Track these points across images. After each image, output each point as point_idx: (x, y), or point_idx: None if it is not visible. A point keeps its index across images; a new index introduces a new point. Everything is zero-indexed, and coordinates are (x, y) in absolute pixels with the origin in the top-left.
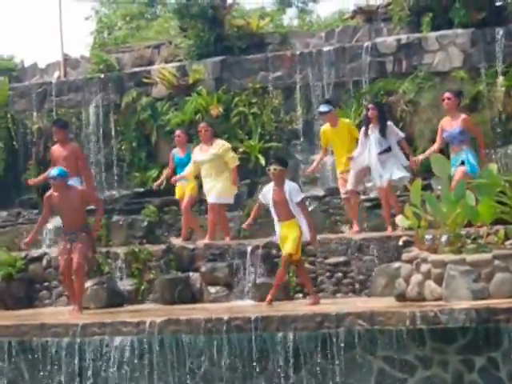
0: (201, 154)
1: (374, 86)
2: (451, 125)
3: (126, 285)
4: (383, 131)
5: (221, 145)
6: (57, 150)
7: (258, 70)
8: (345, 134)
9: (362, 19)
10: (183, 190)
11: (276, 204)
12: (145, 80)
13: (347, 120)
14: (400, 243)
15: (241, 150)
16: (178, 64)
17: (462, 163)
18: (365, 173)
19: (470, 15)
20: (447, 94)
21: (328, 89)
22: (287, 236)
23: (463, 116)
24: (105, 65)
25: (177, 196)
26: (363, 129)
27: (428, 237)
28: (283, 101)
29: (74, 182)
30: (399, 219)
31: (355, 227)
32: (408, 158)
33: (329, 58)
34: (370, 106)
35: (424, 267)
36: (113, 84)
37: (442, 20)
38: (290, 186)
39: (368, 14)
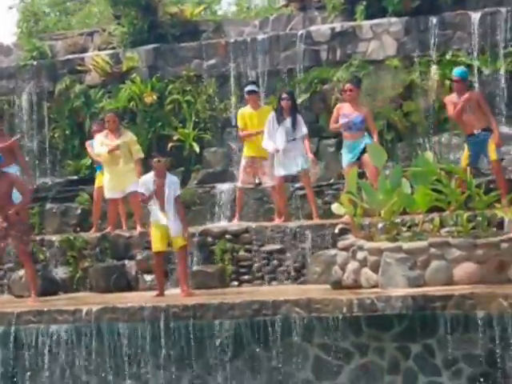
0: (108, 141)
1: (309, 74)
2: (352, 112)
3: (60, 273)
4: (294, 122)
5: (130, 135)
6: None
7: (191, 57)
8: (265, 120)
9: (296, 7)
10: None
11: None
12: (78, 67)
13: (269, 107)
14: (336, 231)
15: (175, 137)
16: (111, 51)
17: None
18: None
19: (404, 4)
20: (349, 86)
21: (262, 77)
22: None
23: (365, 108)
24: (38, 52)
25: (96, 184)
26: (274, 116)
27: (364, 224)
28: (217, 89)
29: (11, 169)
30: (335, 207)
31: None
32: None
33: (263, 46)
34: (284, 95)
35: (360, 255)
36: (46, 71)
37: (376, 8)
38: (170, 178)
39: (302, 2)
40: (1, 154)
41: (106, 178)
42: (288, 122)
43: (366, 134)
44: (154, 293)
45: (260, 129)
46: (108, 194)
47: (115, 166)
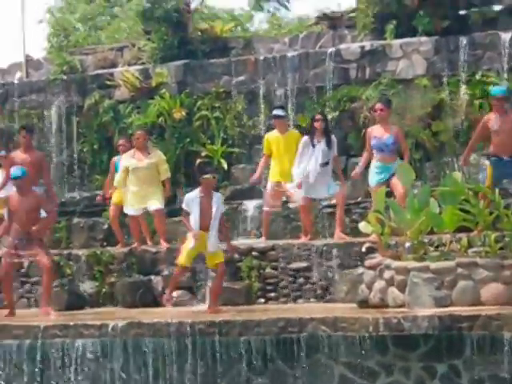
0: (135, 160)
1: (338, 92)
2: (383, 133)
3: (87, 287)
4: (329, 143)
5: (158, 155)
6: (20, 155)
7: (221, 74)
8: (292, 144)
9: (326, 26)
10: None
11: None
12: (108, 82)
13: (297, 131)
14: (363, 249)
15: (203, 154)
16: (141, 67)
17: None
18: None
19: (434, 23)
20: (379, 105)
21: (291, 94)
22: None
23: (395, 127)
24: (68, 66)
25: (116, 201)
26: (307, 139)
27: (391, 244)
28: (246, 106)
29: (38, 188)
30: (362, 225)
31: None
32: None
33: (292, 64)
34: (317, 116)
35: (387, 274)
36: (75, 86)
37: (406, 28)
38: (217, 195)
39: (332, 21)
40: (26, 169)
41: (129, 195)
42: (323, 143)
43: (397, 158)
44: (179, 309)
45: (284, 153)
46: (129, 211)
47: (140, 186)
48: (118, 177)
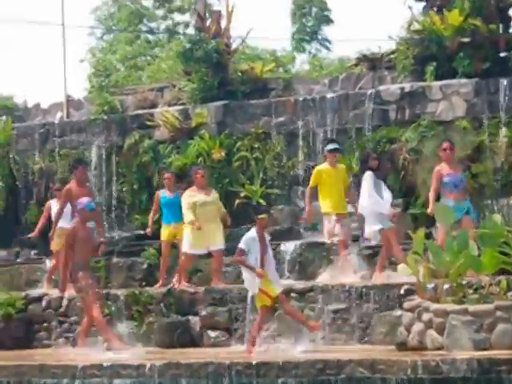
0: (202, 196)
1: (377, 133)
2: (453, 171)
3: (125, 327)
4: (385, 180)
5: (215, 191)
6: (77, 189)
7: (260, 114)
8: (343, 177)
9: (365, 67)
10: (170, 231)
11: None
12: (148, 122)
13: (344, 165)
14: (401, 291)
15: (242, 194)
16: (181, 107)
17: (467, 212)
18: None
19: (474, 65)
20: (447, 144)
21: (331, 135)
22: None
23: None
24: (108, 106)
25: (164, 238)
26: (372, 175)
27: (430, 286)
28: (285, 146)
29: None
30: (401, 268)
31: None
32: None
33: (332, 105)
34: (374, 155)
35: (426, 316)
36: (115, 126)
37: (446, 69)
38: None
39: (372, 62)
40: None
41: (192, 233)
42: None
43: (467, 196)
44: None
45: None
46: (193, 250)
47: (210, 222)
48: (188, 213)
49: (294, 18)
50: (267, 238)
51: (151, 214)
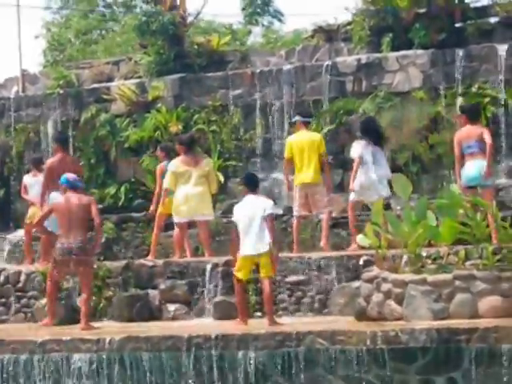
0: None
1: (334, 105)
2: None
3: None
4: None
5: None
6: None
7: (217, 87)
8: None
9: (322, 39)
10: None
11: None
12: (104, 96)
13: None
14: (360, 262)
15: None
16: (137, 81)
17: None
18: None
19: (430, 36)
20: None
21: (288, 107)
22: None
23: None
24: (64, 81)
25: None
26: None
27: (388, 256)
28: (243, 119)
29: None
30: (360, 238)
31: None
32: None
33: (289, 77)
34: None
35: (384, 286)
36: (72, 100)
37: (402, 41)
38: None
39: (328, 34)
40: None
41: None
42: None
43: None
44: (177, 323)
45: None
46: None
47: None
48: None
49: None
50: None
51: (158, 189)
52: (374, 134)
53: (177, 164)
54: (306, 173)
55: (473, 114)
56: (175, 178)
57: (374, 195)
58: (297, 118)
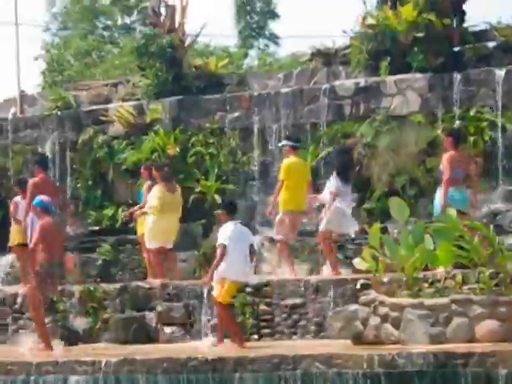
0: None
1: (332, 128)
2: None
3: (80, 323)
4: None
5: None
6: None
7: (215, 110)
8: (307, 172)
9: (320, 62)
10: None
11: None
12: (102, 118)
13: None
14: (357, 286)
15: (197, 189)
16: (135, 103)
17: None
18: None
19: (428, 60)
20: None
21: (285, 131)
22: None
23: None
24: (62, 102)
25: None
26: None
27: (385, 280)
28: (240, 142)
29: None
30: (357, 262)
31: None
32: None
33: (286, 100)
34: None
35: (381, 310)
36: (70, 121)
37: (400, 64)
38: None
39: (326, 57)
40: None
41: (161, 225)
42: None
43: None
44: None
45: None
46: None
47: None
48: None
49: (239, 14)
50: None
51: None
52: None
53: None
54: (301, 199)
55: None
56: (161, 204)
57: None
58: (284, 142)
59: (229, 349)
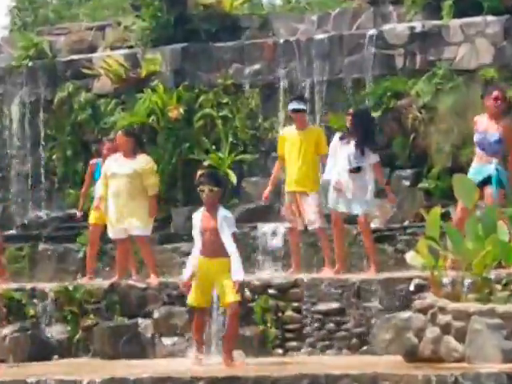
0: (117, 165)
1: (379, 86)
2: (488, 128)
3: (55, 332)
4: (361, 145)
5: (145, 162)
6: None
7: (230, 61)
8: (311, 143)
9: (364, 1)
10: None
11: (205, 234)
12: (84, 71)
13: (318, 128)
14: (411, 287)
15: (206, 163)
16: (127, 51)
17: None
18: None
19: None
20: (498, 93)
21: (320, 88)
22: (222, 279)
23: (506, 124)
24: (34, 50)
25: (93, 221)
26: (337, 138)
27: (447, 280)
28: (262, 102)
29: None
30: (410, 256)
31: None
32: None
33: (322, 49)
34: (349, 111)
35: (442, 319)
36: (43, 75)
37: (468, 4)
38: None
39: None
40: None
41: (110, 211)
42: (352, 144)
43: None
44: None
45: (301, 154)
46: (112, 234)
47: (119, 200)
48: (98, 186)
49: None
50: (223, 217)
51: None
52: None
53: None
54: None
55: None
56: None
57: None
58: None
59: (245, 366)
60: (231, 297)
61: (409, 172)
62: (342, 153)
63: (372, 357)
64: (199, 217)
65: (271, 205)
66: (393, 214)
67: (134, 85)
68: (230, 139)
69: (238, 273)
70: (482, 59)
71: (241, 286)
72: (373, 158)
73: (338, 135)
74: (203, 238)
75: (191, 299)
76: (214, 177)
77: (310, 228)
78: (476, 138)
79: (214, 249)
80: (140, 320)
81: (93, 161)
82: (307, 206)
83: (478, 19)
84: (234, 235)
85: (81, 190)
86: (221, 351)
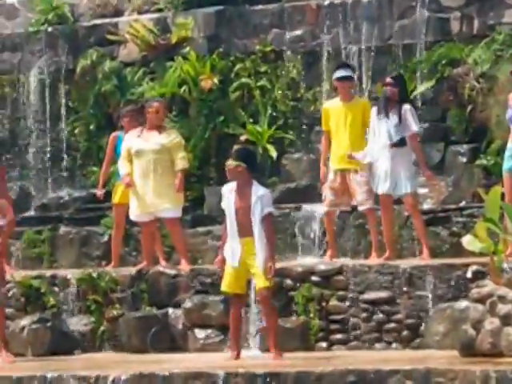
0: (141, 141)
1: (433, 53)
2: None
3: (78, 324)
4: (401, 117)
5: (173, 137)
6: None
7: (269, 26)
8: (358, 116)
9: None
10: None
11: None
12: (109, 37)
13: (365, 99)
14: (468, 275)
15: (243, 137)
16: (156, 15)
17: None
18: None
19: None
20: None
21: (367, 55)
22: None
23: None
24: (54, 14)
25: (117, 200)
26: (375, 114)
27: (508, 266)
28: (304, 71)
29: None
30: (467, 240)
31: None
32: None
33: (370, 13)
34: (388, 80)
35: (502, 309)
36: (64, 41)
37: None
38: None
39: None
40: None
41: (135, 192)
42: (394, 118)
43: None
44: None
45: (348, 127)
46: (135, 217)
47: (146, 178)
48: (121, 163)
49: None
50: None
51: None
52: None
53: None
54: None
55: None
56: None
57: None
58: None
59: (285, 361)
60: (260, 282)
61: (465, 148)
62: (381, 129)
63: (424, 351)
64: (232, 197)
65: (314, 184)
66: (448, 193)
67: (163, 52)
68: (269, 111)
69: (266, 256)
70: None
71: (270, 270)
72: (414, 127)
73: (374, 110)
74: (236, 217)
75: (224, 285)
76: (241, 152)
77: (360, 209)
78: (509, 114)
79: (246, 228)
80: (170, 310)
81: (114, 134)
82: (356, 185)
83: None
84: (269, 215)
85: None
86: (258, 344)
